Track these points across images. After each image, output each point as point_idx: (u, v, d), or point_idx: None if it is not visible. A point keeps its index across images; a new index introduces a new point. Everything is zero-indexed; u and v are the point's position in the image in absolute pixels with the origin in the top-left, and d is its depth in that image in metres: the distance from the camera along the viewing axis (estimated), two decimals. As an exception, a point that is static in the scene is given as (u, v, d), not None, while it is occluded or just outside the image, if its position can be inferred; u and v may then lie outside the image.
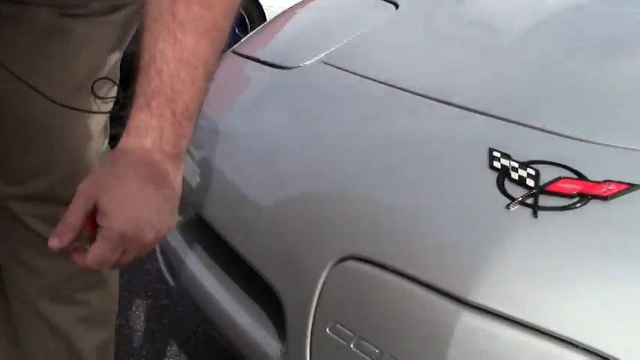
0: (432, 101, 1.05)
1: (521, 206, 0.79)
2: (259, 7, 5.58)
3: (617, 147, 0.85)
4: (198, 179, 1.24)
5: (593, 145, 0.86)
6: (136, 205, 0.60)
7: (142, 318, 1.85)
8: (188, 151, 1.24)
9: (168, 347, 1.72)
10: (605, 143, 0.86)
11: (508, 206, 0.79)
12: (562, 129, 0.90)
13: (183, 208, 1.40)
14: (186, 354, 1.70)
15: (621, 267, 0.72)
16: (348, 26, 1.44)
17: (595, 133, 0.88)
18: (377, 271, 0.84)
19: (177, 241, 1.36)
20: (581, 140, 0.87)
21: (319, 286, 0.91)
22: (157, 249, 1.44)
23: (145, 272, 2.07)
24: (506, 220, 0.79)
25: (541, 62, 1.09)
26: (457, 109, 1.01)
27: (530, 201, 0.79)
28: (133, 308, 1.89)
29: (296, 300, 0.96)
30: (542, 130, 0.91)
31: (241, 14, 6.28)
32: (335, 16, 1.58)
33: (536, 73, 1.06)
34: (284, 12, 1.72)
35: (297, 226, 0.99)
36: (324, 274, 0.91)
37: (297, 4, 1.75)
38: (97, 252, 0.59)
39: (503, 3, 1.36)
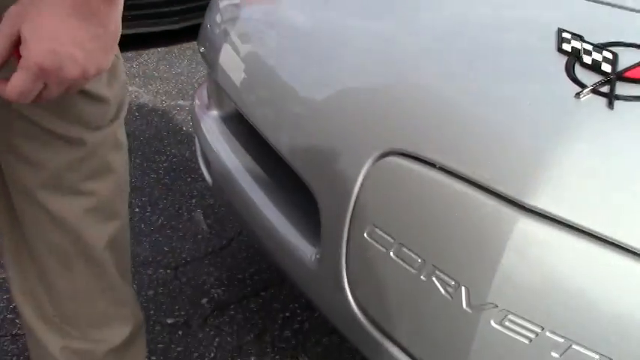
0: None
1: (595, 95, 0.67)
2: None
3: None
4: (239, 72, 1.14)
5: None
6: (56, 37, 0.57)
7: (184, 217, 1.79)
8: (231, 43, 1.14)
9: (210, 249, 1.66)
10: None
11: (578, 95, 0.67)
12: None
13: (221, 101, 1.32)
14: (227, 257, 1.64)
15: None
16: None
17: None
18: (423, 169, 0.73)
19: (214, 136, 1.27)
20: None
21: (358, 185, 0.81)
22: (197, 144, 1.36)
23: (190, 170, 2.01)
24: (576, 111, 0.66)
25: None
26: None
27: (605, 89, 0.67)
28: (177, 207, 1.83)
29: (333, 200, 0.86)
30: (622, 6, 0.77)
31: None
32: None
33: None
34: None
35: (338, 120, 0.88)
36: (363, 171, 0.81)
37: None
38: (16, 82, 0.57)
39: None
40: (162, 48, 3.06)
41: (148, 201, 1.85)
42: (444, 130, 0.74)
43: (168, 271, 1.57)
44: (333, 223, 0.85)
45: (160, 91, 2.61)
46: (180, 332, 1.39)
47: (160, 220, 1.77)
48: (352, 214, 0.82)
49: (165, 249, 1.65)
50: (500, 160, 0.68)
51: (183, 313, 1.45)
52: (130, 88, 2.61)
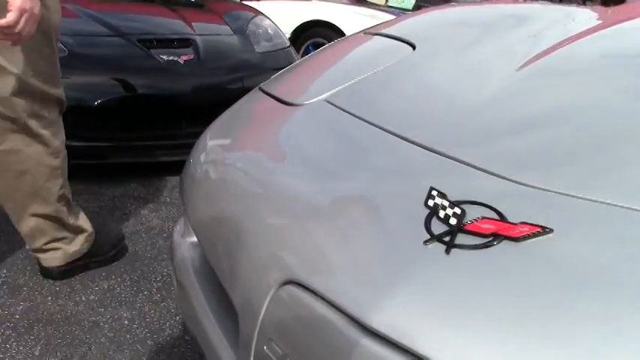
0: (408, 143, 1.07)
1: (439, 243, 0.81)
2: (341, 34, 5.72)
3: (545, 190, 0.85)
4: (197, 205, 1.30)
5: (526, 187, 0.87)
6: None
7: (167, 332, 1.91)
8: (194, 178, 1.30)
9: (182, 361, 1.77)
10: (539, 187, 0.86)
11: (426, 242, 0.81)
12: (512, 174, 0.90)
13: (189, 229, 1.48)
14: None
15: (523, 309, 0.72)
16: (361, 67, 1.48)
17: (540, 179, 0.88)
18: (302, 294, 0.87)
19: (183, 259, 1.42)
20: (514, 182, 0.88)
21: (265, 306, 0.94)
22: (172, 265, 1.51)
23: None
24: (421, 255, 0.80)
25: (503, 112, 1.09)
26: (422, 149, 1.03)
27: (447, 238, 0.81)
28: (162, 322, 1.96)
29: (247, 316, 0.99)
30: (486, 171, 0.92)
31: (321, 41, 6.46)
32: (354, 56, 1.63)
33: (497, 122, 1.07)
34: (312, 53, 1.78)
35: (256, 251, 1.02)
36: (270, 294, 0.94)
37: (325, 46, 1.81)
38: (8, 17, 1.24)
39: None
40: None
41: (137, 314, 1.98)
42: (320, 262, 0.88)
43: (141, 379, 1.68)
44: (246, 335, 0.98)
45: (169, 216, 2.80)
46: None
47: (144, 333, 1.90)
48: (259, 328, 0.95)
49: (143, 358, 1.77)
50: (359, 290, 0.81)
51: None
52: (142, 212, 2.80)
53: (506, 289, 0.74)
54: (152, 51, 3.41)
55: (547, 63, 1.24)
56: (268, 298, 0.94)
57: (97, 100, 3.17)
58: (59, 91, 1.96)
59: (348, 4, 8.31)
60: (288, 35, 6.55)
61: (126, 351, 1.79)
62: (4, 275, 2.14)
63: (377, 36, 1.71)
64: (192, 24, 3.80)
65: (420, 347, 0.73)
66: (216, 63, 3.65)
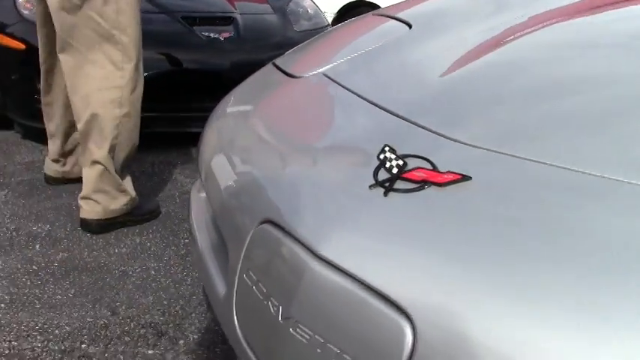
0: (377, 108, 1.24)
1: (380, 187, 0.97)
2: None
3: (471, 145, 1.01)
4: (204, 156, 1.49)
5: (457, 143, 1.02)
6: None
7: (188, 282, 2.12)
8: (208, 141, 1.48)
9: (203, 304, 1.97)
10: (467, 142, 1.01)
11: (371, 187, 0.98)
12: (450, 133, 1.06)
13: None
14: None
15: (444, 240, 0.88)
16: (361, 44, 1.65)
17: (470, 136, 1.04)
18: (275, 231, 1.05)
19: (198, 210, 1.61)
20: (450, 139, 1.04)
21: (247, 241, 1.13)
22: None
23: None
24: (365, 197, 0.97)
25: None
26: (388, 114, 1.20)
27: (387, 184, 0.97)
28: (184, 273, 2.16)
29: (234, 250, 1.18)
30: (430, 130, 1.08)
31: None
32: (357, 34, 1.80)
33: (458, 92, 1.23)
34: (324, 32, 1.95)
35: (243, 194, 1.21)
36: (251, 231, 1.12)
37: (337, 26, 1.98)
38: None
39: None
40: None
41: (164, 266, 2.20)
42: (294, 203, 1.06)
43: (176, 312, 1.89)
44: (233, 266, 1.17)
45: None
46: (155, 365, 1.69)
47: (168, 282, 2.11)
48: (242, 260, 1.13)
49: (164, 302, 1.98)
50: (312, 222, 0.99)
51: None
52: (179, 177, 3.01)
53: (431, 223, 0.91)
54: (195, 28, 3.61)
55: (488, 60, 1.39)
56: (250, 235, 1.12)
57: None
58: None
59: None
60: (333, 15, 6.71)
61: (150, 297, 2.00)
62: (47, 229, 2.38)
63: (381, 16, 1.86)
64: (235, 3, 3.98)
65: (360, 272, 0.89)
66: (255, 41, 3.83)
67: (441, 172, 0.96)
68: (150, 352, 1.65)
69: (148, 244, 2.32)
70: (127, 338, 1.72)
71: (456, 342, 0.78)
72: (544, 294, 0.75)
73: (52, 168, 2.78)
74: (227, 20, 3.80)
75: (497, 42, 1.40)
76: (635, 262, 0.74)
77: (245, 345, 1.12)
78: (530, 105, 1.09)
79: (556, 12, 1.61)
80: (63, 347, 1.66)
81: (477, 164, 0.97)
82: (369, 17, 1.95)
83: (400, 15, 1.80)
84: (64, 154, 2.77)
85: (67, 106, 2.48)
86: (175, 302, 1.96)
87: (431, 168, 0.98)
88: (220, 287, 1.27)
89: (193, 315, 1.86)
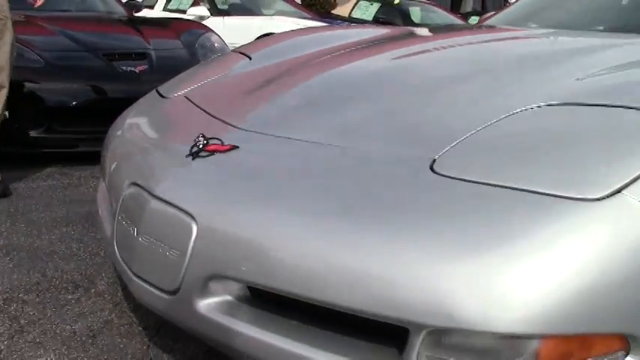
0: (205, 113, 1.96)
1: (191, 156, 1.69)
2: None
3: (246, 130, 1.73)
4: (105, 153, 2.19)
5: (239, 129, 1.75)
6: None
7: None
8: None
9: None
10: (245, 128, 1.74)
11: (187, 156, 1.69)
12: (238, 124, 1.79)
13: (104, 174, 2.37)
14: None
15: (230, 186, 1.59)
16: (215, 71, 2.38)
17: (253, 125, 1.76)
18: (137, 189, 1.76)
19: (101, 196, 2.30)
20: (236, 127, 1.76)
21: (122, 196, 1.83)
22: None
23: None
24: (183, 162, 1.68)
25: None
26: (211, 117, 1.92)
27: (195, 154, 1.69)
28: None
29: (114, 203, 1.88)
30: (225, 122, 1.81)
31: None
32: (216, 65, 2.53)
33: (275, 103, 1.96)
34: (199, 64, 2.69)
35: (119, 166, 1.91)
36: (125, 188, 1.82)
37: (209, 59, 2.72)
38: None
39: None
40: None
41: (83, 246, 2.86)
42: (147, 170, 1.77)
43: (81, 280, 2.56)
44: (114, 212, 1.86)
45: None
46: None
47: (85, 255, 2.77)
48: (118, 209, 1.83)
49: (82, 267, 2.64)
50: (153, 178, 1.70)
51: None
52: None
53: (217, 172, 1.62)
54: (114, 63, 4.30)
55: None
56: (123, 193, 1.82)
57: (69, 102, 4.07)
58: None
59: (310, 18, 9.19)
60: (248, 47, 7.41)
61: (72, 264, 2.67)
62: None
63: (234, 52, 2.60)
64: (150, 40, 4.69)
65: (174, 200, 1.60)
66: (166, 72, 4.50)
67: (224, 145, 1.69)
68: (69, 296, 2.32)
69: (72, 232, 2.98)
70: (53, 289, 2.38)
71: (220, 229, 1.50)
72: (271, 205, 1.49)
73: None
74: (142, 55, 4.50)
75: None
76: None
77: (121, 261, 1.81)
78: (282, 106, 1.84)
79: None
80: (6, 297, 2.31)
81: (243, 140, 1.70)
82: (229, 53, 2.69)
83: (243, 50, 2.55)
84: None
85: None
86: (91, 268, 2.63)
87: (220, 143, 1.70)
88: (108, 230, 1.96)
89: (103, 274, 2.53)
